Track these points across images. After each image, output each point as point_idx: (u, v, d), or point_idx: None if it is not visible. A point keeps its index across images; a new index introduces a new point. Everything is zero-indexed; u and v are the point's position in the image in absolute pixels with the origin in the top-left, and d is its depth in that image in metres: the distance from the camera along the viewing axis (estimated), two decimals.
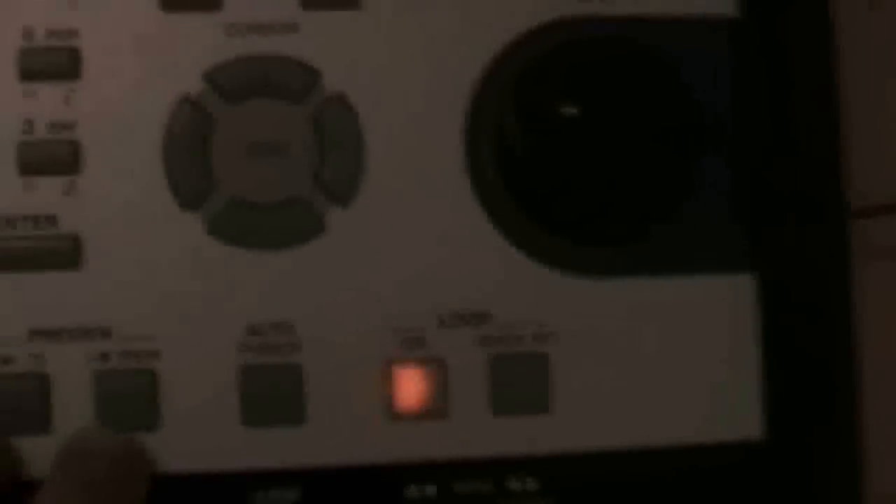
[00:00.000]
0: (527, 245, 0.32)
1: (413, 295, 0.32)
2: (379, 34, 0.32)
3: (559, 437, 0.32)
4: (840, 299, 0.34)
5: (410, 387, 0.32)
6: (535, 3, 0.32)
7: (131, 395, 0.31)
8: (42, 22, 0.31)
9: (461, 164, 0.32)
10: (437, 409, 0.32)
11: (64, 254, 0.31)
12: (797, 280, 0.33)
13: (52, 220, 0.31)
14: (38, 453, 0.31)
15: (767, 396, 0.33)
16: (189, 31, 0.32)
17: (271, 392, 0.31)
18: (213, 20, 0.32)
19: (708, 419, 0.33)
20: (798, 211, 0.33)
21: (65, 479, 0.29)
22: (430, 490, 0.32)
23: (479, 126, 0.32)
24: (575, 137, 0.31)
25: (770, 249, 0.33)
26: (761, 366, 0.33)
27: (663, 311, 0.32)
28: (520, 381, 0.32)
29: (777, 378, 0.33)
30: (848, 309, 0.34)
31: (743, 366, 0.33)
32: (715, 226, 0.33)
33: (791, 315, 0.33)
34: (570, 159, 0.31)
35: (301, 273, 0.31)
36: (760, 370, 0.33)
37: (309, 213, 0.31)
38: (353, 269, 0.32)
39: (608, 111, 0.31)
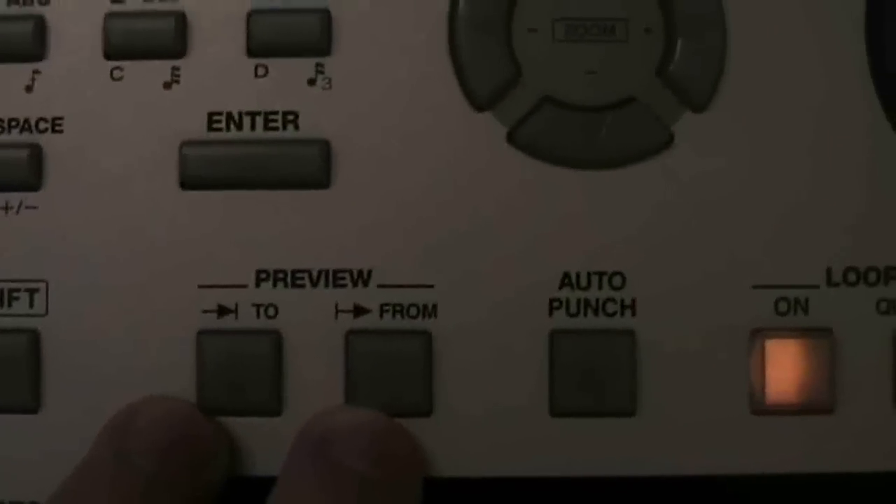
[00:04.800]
0: None
1: (792, 240, 0.22)
2: None
3: None
4: None
5: (788, 368, 0.22)
6: None
7: (396, 366, 0.22)
8: None
9: (862, 57, 0.22)
10: (822, 399, 0.22)
11: (308, 166, 0.22)
12: None
13: (292, 118, 0.22)
14: (266, 440, 0.22)
15: None
16: None
17: (592, 368, 0.22)
18: None
19: None
20: None
21: (313, 472, 0.21)
22: None
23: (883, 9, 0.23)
24: None
25: None
26: None
27: None
28: None
29: None
30: None
31: None
32: None
33: None
34: None
35: (637, 202, 0.22)
36: None
37: (649, 120, 0.22)
38: (710, 199, 0.22)
39: None
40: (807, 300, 0.22)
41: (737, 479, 0.22)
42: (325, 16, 0.22)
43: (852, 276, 0.22)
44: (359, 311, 0.22)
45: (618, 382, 0.22)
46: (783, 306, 0.22)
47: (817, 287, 0.22)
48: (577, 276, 0.22)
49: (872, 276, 0.22)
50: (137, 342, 0.22)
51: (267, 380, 0.22)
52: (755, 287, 0.22)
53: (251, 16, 0.22)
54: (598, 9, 0.22)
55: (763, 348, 0.22)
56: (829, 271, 0.22)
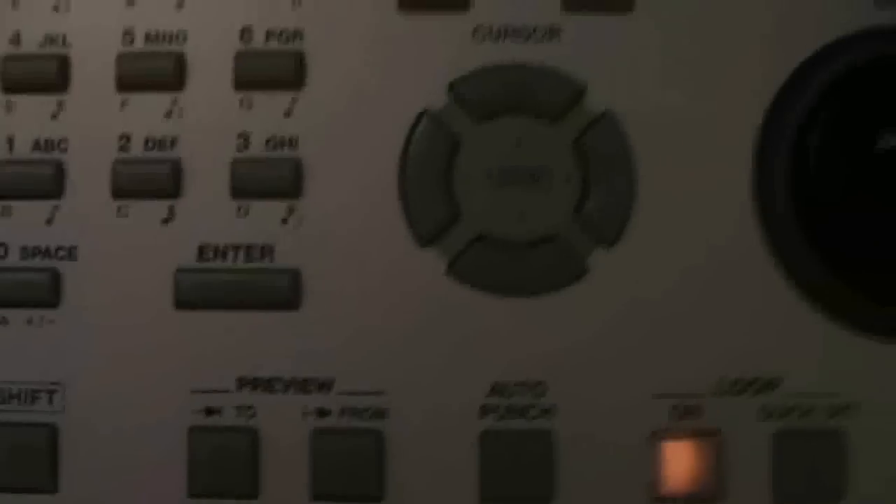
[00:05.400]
0: (824, 302, 0.27)
1: (687, 355, 0.27)
2: (654, 42, 0.27)
3: None
4: None
5: (681, 464, 0.26)
6: (843, 11, 0.27)
7: (353, 459, 0.27)
8: (262, 22, 0.27)
9: (749, 203, 0.27)
10: (710, 491, 0.26)
11: (281, 291, 0.27)
12: None
13: (268, 251, 0.27)
14: None
15: None
16: (431, 34, 0.27)
17: (517, 463, 0.26)
18: (460, 23, 0.27)
19: None
20: None
21: None
22: None
23: (773, 155, 0.27)
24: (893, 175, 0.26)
25: None
26: None
27: None
28: (810, 461, 0.26)
29: None
30: None
31: None
32: None
33: None
34: (886, 201, 0.26)
35: (556, 324, 0.27)
36: None
37: (568, 255, 0.27)
38: (618, 321, 0.27)
39: None
40: (699, 406, 0.26)
41: None
42: (297, 164, 0.27)
43: (738, 387, 0.26)
44: (322, 413, 0.27)
45: (538, 475, 0.26)
46: (678, 412, 0.26)
47: (708, 395, 0.26)
48: (505, 385, 0.26)
49: (756, 387, 0.26)
50: (138, 436, 0.27)
51: (246, 469, 0.27)
52: (655, 396, 0.26)
53: (234, 163, 0.27)
54: (527, 161, 0.26)
55: (660, 448, 0.26)
56: (718, 382, 0.26)
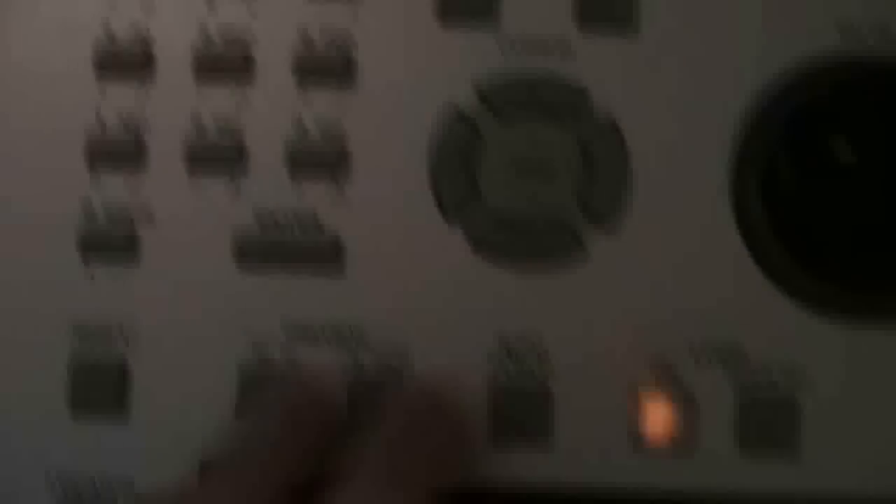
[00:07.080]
0: (789, 285, 0.31)
1: (670, 327, 0.31)
2: (653, 59, 0.32)
3: (807, 483, 0.31)
4: None
5: (659, 418, 0.31)
6: (813, 36, 0.31)
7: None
8: (317, 26, 0.32)
9: (726, 198, 0.31)
10: (684, 442, 0.31)
11: (325, 256, 0.31)
12: None
13: (315, 221, 0.32)
14: None
15: None
16: (463, 42, 0.32)
17: (520, 413, 0.31)
18: (488, 33, 0.32)
19: None
20: None
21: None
22: None
23: (747, 160, 0.31)
24: (850, 183, 0.31)
25: None
26: None
27: None
28: (770, 425, 0.31)
29: None
30: None
31: None
32: None
33: None
34: (842, 204, 0.31)
35: (559, 296, 0.31)
36: None
37: (571, 237, 0.31)
38: (611, 295, 0.31)
39: (886, 156, 0.31)
40: (677, 370, 0.31)
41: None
42: (345, 151, 0.31)
43: (711, 356, 0.31)
44: (356, 365, 0.31)
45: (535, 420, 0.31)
46: (660, 373, 0.31)
47: (686, 362, 0.31)
48: (514, 347, 0.31)
49: (726, 357, 0.31)
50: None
51: None
52: (643, 358, 0.31)
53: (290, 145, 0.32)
54: (538, 153, 0.31)
55: (639, 402, 0.31)
56: (695, 353, 0.31)
